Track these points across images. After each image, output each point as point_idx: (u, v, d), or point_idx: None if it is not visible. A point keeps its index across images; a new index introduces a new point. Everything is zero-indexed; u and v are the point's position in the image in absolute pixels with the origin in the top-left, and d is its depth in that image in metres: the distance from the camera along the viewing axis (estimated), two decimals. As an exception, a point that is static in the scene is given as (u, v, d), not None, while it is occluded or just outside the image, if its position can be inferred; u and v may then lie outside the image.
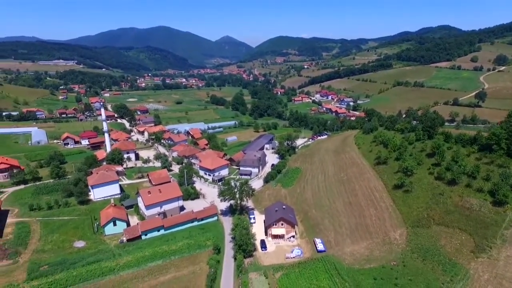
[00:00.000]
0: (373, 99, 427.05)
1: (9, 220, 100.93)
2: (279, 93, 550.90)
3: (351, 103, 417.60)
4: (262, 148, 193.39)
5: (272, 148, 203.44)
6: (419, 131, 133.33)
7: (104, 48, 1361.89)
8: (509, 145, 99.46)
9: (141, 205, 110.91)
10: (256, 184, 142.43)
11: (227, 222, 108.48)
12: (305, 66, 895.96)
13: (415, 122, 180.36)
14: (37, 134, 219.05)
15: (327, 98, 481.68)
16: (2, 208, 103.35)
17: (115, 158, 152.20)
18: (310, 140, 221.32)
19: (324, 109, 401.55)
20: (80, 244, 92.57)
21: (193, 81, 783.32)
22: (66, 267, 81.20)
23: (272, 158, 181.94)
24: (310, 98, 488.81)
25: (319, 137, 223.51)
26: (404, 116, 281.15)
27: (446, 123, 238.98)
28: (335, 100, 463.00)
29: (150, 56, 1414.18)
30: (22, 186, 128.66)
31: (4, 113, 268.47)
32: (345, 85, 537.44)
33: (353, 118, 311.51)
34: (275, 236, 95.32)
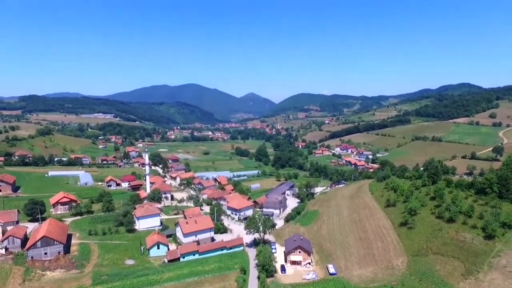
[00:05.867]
0: (392, 153, 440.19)
1: (74, 241, 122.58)
2: (300, 146, 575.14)
3: (370, 156, 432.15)
4: (283, 193, 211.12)
5: (293, 194, 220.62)
6: (425, 178, 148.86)
7: (138, 103, 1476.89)
8: (500, 189, 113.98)
9: (179, 234, 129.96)
10: (278, 223, 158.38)
11: (252, 252, 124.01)
12: (326, 121, 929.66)
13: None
14: (84, 176, 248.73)
15: (347, 151, 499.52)
16: (68, 232, 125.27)
17: (155, 197, 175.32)
18: (328, 188, 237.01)
19: (344, 161, 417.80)
20: (130, 262, 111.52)
21: (219, 134, 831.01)
22: (121, 278, 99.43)
23: (292, 202, 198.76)
24: (330, 151, 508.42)
25: (337, 186, 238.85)
26: (421, 169, 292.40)
27: (464, 176, 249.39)
28: (355, 153, 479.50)
29: (179, 110, 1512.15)
30: (78, 217, 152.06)
31: (55, 159, 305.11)
32: (365, 139, 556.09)
33: (371, 170, 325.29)
34: (293, 262, 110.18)
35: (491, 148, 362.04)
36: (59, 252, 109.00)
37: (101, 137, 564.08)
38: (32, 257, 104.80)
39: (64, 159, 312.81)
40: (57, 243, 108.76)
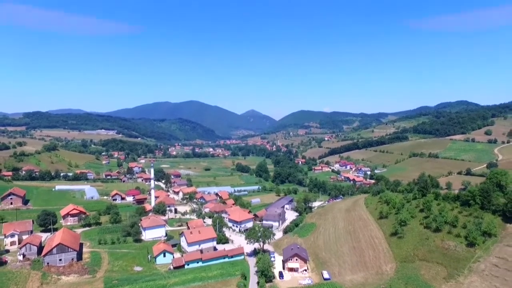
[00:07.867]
0: (390, 169, 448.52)
1: (85, 249, 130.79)
2: (300, 162, 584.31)
3: (369, 172, 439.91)
4: (282, 207, 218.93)
5: (292, 208, 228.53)
6: (415, 192, 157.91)
7: (140, 119, 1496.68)
8: (483, 201, 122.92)
9: (183, 243, 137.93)
10: (277, 235, 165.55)
11: (252, 261, 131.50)
12: (326, 138, 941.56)
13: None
14: (90, 191, 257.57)
15: (346, 167, 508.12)
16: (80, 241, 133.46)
17: (160, 209, 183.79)
18: (326, 202, 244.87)
19: (343, 177, 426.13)
20: (138, 268, 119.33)
21: (220, 150, 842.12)
22: (130, 282, 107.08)
23: (291, 216, 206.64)
24: (330, 168, 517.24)
25: (334, 200, 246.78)
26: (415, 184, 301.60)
27: (458, 191, 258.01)
28: (353, 169, 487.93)
29: (180, 127, 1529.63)
30: (88, 228, 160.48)
31: (61, 174, 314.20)
32: (363, 156, 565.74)
33: (368, 186, 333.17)
34: (291, 269, 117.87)
35: (486, 164, 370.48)
36: (72, 259, 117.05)
37: (104, 153, 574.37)
38: (48, 263, 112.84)
39: (70, 174, 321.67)
40: (71, 250, 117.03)
